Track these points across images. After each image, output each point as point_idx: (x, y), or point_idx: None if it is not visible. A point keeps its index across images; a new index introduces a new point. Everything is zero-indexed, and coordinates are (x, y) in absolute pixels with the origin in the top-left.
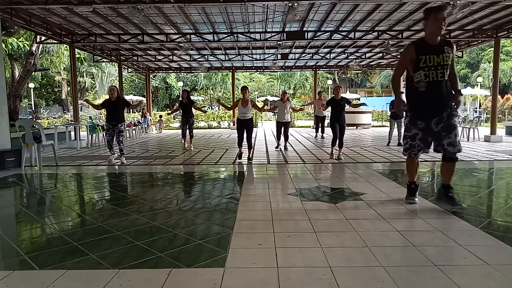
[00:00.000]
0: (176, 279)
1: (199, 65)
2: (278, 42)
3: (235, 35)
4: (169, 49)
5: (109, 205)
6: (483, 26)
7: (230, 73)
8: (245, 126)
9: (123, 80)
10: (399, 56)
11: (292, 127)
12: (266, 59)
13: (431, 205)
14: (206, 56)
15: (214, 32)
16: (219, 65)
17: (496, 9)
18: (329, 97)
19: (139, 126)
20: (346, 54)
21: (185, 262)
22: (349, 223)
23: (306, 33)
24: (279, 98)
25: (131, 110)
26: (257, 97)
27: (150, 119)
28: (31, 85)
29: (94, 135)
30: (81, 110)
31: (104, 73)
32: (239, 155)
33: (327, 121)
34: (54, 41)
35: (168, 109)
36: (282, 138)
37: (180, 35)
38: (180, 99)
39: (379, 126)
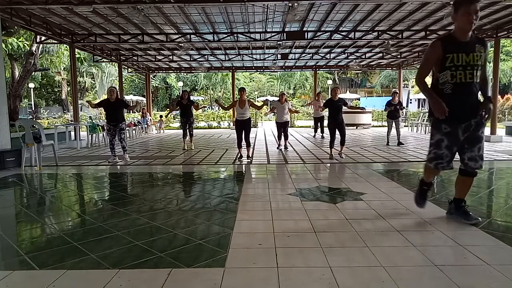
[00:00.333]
0: (176, 279)
1: (199, 65)
2: (278, 42)
3: (235, 35)
4: (169, 49)
5: (109, 205)
6: (483, 26)
7: (230, 73)
8: (243, 127)
9: (123, 80)
10: (422, 55)
11: (292, 127)
12: (266, 59)
13: (431, 205)
14: (206, 56)
15: (214, 32)
16: (219, 65)
17: (496, 9)
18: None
19: (139, 126)
20: (346, 54)
21: (185, 262)
22: (349, 223)
23: (306, 33)
24: (278, 100)
25: (130, 111)
26: (257, 97)
27: (150, 119)
28: (31, 85)
29: (94, 135)
30: (81, 110)
31: (104, 73)
32: (239, 157)
33: (326, 121)
34: (54, 41)
35: (167, 110)
36: (283, 138)
37: (180, 35)
38: (179, 99)
39: (379, 126)
